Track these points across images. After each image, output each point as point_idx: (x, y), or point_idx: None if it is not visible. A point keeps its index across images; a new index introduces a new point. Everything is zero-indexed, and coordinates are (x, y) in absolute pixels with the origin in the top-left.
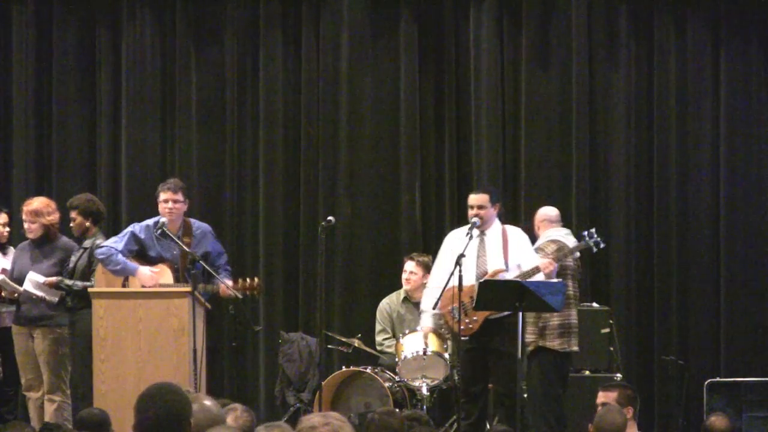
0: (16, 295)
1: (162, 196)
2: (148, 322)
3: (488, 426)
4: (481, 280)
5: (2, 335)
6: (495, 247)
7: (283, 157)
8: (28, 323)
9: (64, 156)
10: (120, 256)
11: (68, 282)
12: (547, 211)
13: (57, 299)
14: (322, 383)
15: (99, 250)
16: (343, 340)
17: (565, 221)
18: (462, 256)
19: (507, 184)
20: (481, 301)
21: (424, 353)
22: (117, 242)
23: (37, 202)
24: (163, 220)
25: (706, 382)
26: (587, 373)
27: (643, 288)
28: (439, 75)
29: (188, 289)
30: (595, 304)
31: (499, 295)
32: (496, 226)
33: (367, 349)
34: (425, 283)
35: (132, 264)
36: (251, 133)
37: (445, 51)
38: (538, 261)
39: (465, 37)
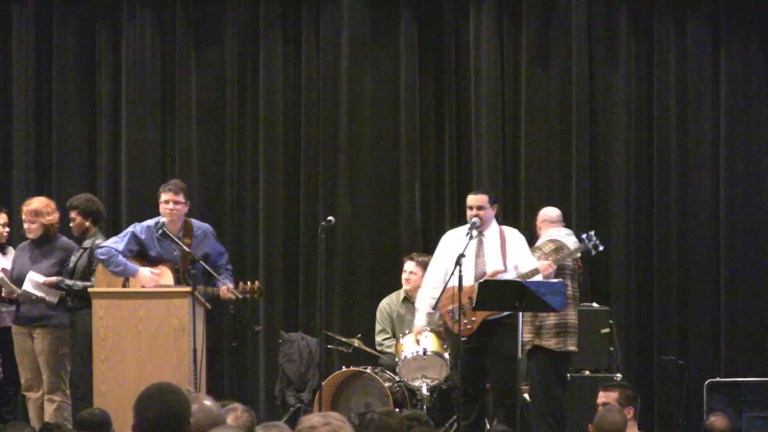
0: (14, 295)
1: (163, 196)
2: (148, 322)
3: (488, 426)
4: (481, 280)
5: (2, 335)
6: (493, 248)
7: (283, 157)
8: (28, 323)
9: (64, 156)
10: (120, 257)
11: (68, 282)
12: (548, 212)
13: (57, 300)
14: (322, 383)
15: (99, 251)
16: (343, 340)
17: (565, 221)
18: (462, 256)
19: (507, 184)
20: (481, 301)
21: (424, 353)
22: (117, 243)
23: (37, 202)
24: (163, 220)
25: (706, 382)
26: (587, 373)
27: (643, 288)
28: (439, 75)
29: (188, 289)
30: (595, 304)
31: (499, 295)
32: (494, 227)
33: (367, 349)
34: None
35: (132, 265)
36: (251, 133)
37: (445, 51)
38: (536, 263)
39: (465, 37)
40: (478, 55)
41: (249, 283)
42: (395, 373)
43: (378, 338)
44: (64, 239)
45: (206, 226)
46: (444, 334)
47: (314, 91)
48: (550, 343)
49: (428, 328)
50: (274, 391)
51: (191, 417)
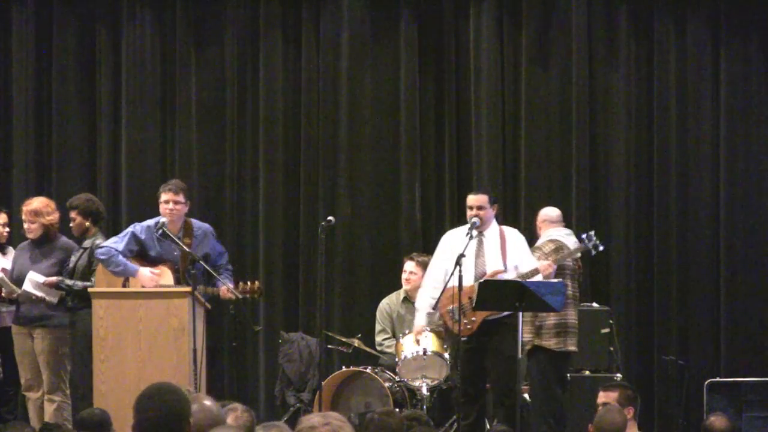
0: (14, 295)
1: (163, 196)
2: (148, 322)
3: (488, 426)
4: (481, 280)
5: (2, 335)
6: (493, 248)
7: (283, 157)
8: (28, 323)
9: (64, 156)
10: (120, 257)
11: (68, 282)
12: (548, 212)
13: (57, 300)
14: (322, 383)
15: (99, 251)
16: (343, 340)
17: (565, 221)
18: (462, 256)
19: (507, 184)
20: (481, 301)
21: (424, 353)
22: (117, 243)
23: (37, 202)
24: (163, 220)
25: (706, 382)
26: (587, 373)
27: (643, 288)
28: (439, 75)
29: (188, 289)
30: (595, 304)
31: (500, 295)
32: (493, 227)
33: (367, 349)
34: None
35: (132, 265)
36: (251, 133)
37: (445, 51)
38: (536, 263)
39: (465, 37)
40: (478, 55)
41: (249, 283)
42: (395, 373)
43: (378, 338)
44: (64, 239)
45: (206, 226)
46: (444, 334)
47: (314, 91)
48: (550, 343)
49: (428, 328)
50: (274, 391)
51: (191, 417)
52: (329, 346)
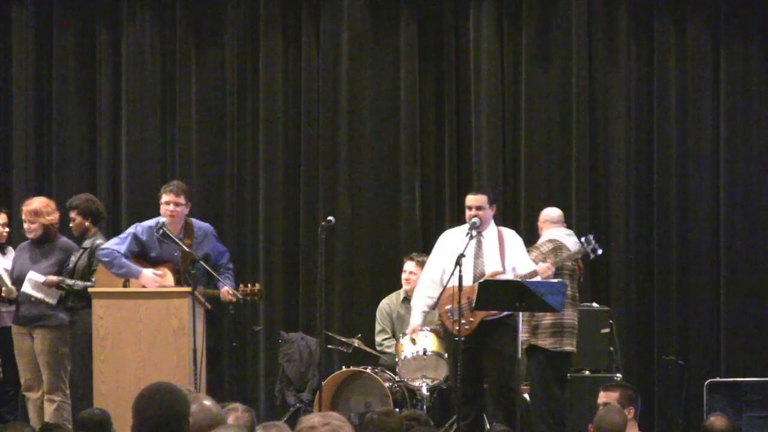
0: (13, 295)
1: (164, 198)
2: (148, 322)
3: (488, 426)
4: (482, 280)
5: (2, 335)
6: (492, 249)
7: (283, 156)
8: (27, 323)
9: (64, 156)
10: (124, 259)
11: (69, 282)
12: (549, 212)
13: (56, 301)
14: (322, 383)
15: (102, 253)
16: (343, 340)
17: (566, 221)
18: (462, 256)
19: (507, 184)
20: (481, 301)
21: (424, 353)
22: (119, 244)
23: (37, 202)
24: (163, 220)
25: (706, 382)
26: (587, 373)
27: (643, 288)
28: (439, 75)
29: (188, 289)
30: (595, 304)
31: (500, 295)
32: (492, 227)
33: (367, 349)
34: None
35: (136, 267)
36: (251, 133)
37: (445, 51)
38: (535, 265)
39: (465, 37)
40: (478, 55)
41: (249, 285)
42: (395, 373)
43: (378, 338)
44: (64, 239)
45: (207, 226)
46: (442, 334)
47: (314, 91)
48: (546, 342)
49: (428, 328)
50: (274, 391)
51: (190, 416)
52: (329, 346)
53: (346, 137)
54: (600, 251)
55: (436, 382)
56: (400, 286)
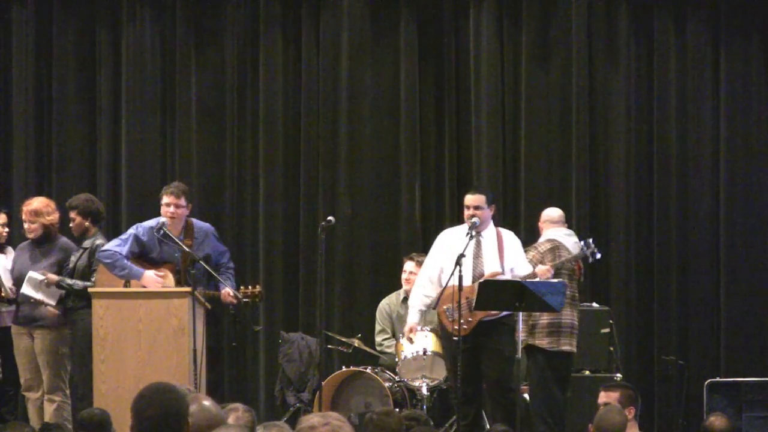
0: (11, 295)
1: (165, 199)
2: (148, 322)
3: (488, 426)
4: (481, 280)
5: (2, 335)
6: (491, 249)
7: (283, 156)
8: (27, 323)
9: (64, 156)
10: (125, 261)
11: (69, 281)
12: (550, 212)
13: (55, 302)
14: (322, 383)
15: (103, 254)
16: (343, 340)
17: (566, 221)
18: (462, 255)
19: (507, 184)
20: (481, 301)
21: (424, 353)
22: (120, 246)
23: (37, 202)
24: (163, 220)
25: (706, 382)
26: (587, 373)
27: (643, 288)
28: (439, 75)
29: (188, 289)
30: (595, 304)
31: (500, 295)
32: (491, 228)
33: (367, 349)
34: None
35: (138, 269)
36: (251, 133)
37: (445, 51)
38: (532, 268)
39: (465, 37)
40: (478, 55)
41: (250, 287)
42: (395, 373)
43: (378, 338)
44: (64, 239)
45: (207, 226)
46: (441, 333)
47: (314, 91)
48: (543, 342)
49: (428, 328)
50: (274, 391)
51: (189, 416)
52: (329, 346)
53: (346, 137)
54: (599, 255)
55: (436, 382)
56: (400, 286)
